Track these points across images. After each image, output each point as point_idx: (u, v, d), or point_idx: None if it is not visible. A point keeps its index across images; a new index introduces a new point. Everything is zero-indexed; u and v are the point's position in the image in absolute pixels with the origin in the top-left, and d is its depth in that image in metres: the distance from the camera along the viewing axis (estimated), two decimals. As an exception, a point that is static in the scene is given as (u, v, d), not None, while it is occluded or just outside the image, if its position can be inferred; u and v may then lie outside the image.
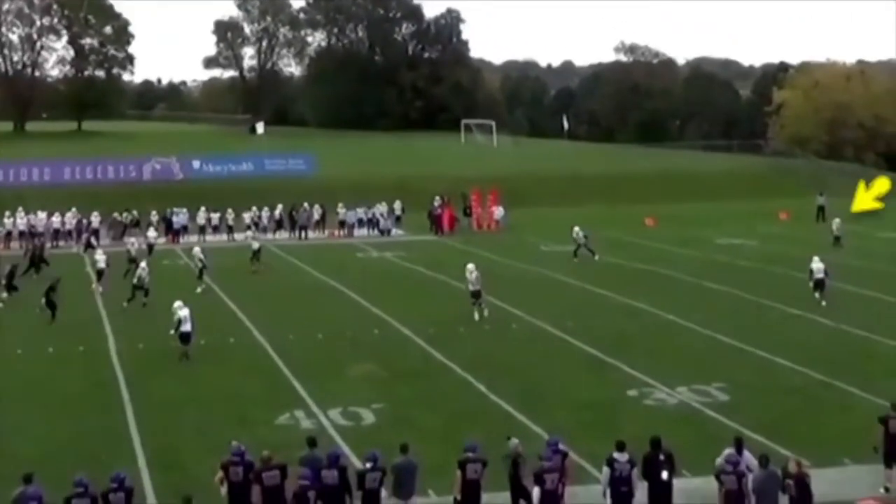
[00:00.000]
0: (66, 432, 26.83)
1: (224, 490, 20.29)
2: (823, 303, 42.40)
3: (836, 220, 59.64)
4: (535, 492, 20.26)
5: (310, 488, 19.39)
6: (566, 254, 55.55)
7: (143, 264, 44.62)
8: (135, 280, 43.39)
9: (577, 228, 55.27)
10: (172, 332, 34.99)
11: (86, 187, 76.91)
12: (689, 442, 23.48)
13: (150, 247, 57.21)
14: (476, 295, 40.81)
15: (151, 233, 59.67)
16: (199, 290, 45.83)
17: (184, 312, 34.43)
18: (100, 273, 47.50)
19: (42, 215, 63.60)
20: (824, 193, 74.54)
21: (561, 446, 21.07)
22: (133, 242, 54.75)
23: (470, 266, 41.65)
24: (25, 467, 19.87)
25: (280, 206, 68.08)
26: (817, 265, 43.67)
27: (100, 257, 48.53)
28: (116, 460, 23.25)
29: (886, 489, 22.41)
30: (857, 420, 26.17)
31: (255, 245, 53.16)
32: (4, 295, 45.13)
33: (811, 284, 43.49)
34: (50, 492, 19.17)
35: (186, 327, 34.28)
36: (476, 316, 40.22)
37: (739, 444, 20.76)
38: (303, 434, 23.02)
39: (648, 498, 20.51)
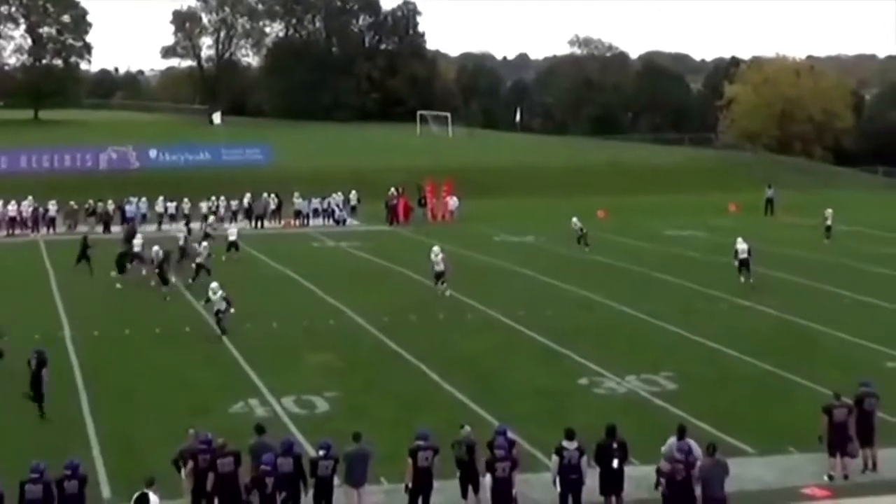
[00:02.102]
0: (19, 419, 26.88)
1: (190, 483, 20.25)
2: (750, 280, 44.66)
3: (829, 211, 60.26)
4: (487, 479, 20.56)
5: (269, 474, 19.57)
6: (519, 244, 56.04)
7: (205, 244, 46.86)
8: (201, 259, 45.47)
9: (574, 219, 55.93)
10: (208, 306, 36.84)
11: (42, 176, 76.74)
12: (638, 430, 23.76)
13: (207, 235, 55.14)
14: (439, 276, 42.97)
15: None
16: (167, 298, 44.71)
17: (217, 296, 36.06)
18: (134, 257, 47.77)
19: (-2, 203, 63.50)
20: (773, 186, 75.34)
21: (509, 434, 21.41)
22: (182, 230, 55.38)
23: (435, 248, 44.06)
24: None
25: (249, 196, 68.49)
26: (742, 246, 45.63)
27: (137, 241, 48.95)
28: (70, 447, 23.36)
29: (830, 477, 22.81)
30: (802, 409, 26.60)
31: (233, 236, 53.41)
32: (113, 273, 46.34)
33: (735, 264, 45.34)
34: (4, 477, 19.28)
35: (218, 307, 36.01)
36: (439, 293, 41.98)
37: (682, 432, 21.13)
38: (256, 422, 23.22)
39: (600, 485, 20.85)
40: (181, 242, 50.00)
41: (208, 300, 36.79)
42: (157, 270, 44.59)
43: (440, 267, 43.16)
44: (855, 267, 50.68)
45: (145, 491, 18.88)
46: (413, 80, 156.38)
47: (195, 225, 61.07)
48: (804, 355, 33.42)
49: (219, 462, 19.96)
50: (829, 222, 59.35)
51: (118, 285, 45.30)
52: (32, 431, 25.85)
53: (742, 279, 45.06)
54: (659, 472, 20.38)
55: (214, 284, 36.89)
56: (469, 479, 21.03)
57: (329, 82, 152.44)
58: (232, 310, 36.16)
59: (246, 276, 47.51)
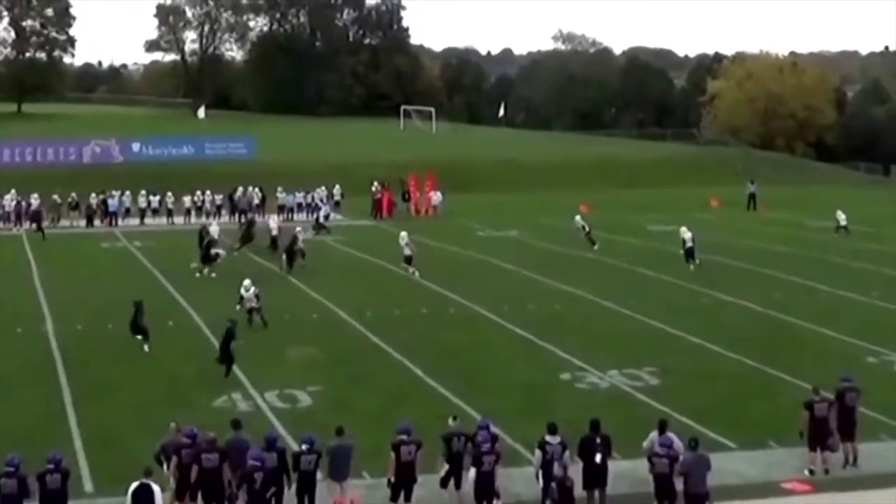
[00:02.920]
0: (1, 413, 26.87)
1: (175, 477, 20.20)
2: (692, 267, 46.81)
3: (840, 213, 61.00)
4: (472, 473, 20.65)
5: (258, 469, 19.51)
6: (503, 239, 56.07)
7: (301, 235, 48.12)
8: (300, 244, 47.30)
9: (577, 217, 56.02)
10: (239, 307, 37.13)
11: (25, 170, 76.59)
12: (620, 425, 23.73)
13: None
14: (408, 259, 46.17)
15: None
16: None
17: (249, 293, 36.89)
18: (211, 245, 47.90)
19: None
20: (755, 182, 75.60)
21: (492, 429, 21.47)
22: (274, 218, 56.43)
23: (403, 234, 47.50)
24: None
25: (241, 190, 68.18)
26: (687, 234, 47.67)
27: (214, 229, 49.61)
28: (52, 441, 23.32)
29: (811, 472, 22.91)
30: (783, 404, 26.74)
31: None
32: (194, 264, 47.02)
33: (682, 253, 47.52)
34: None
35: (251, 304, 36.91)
36: (408, 272, 45.84)
37: (663, 426, 21.23)
38: (239, 416, 23.22)
39: (583, 479, 20.86)
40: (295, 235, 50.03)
41: (241, 298, 37.12)
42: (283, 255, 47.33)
43: (407, 251, 46.26)
44: (835, 262, 50.89)
45: (145, 481, 18.82)
46: (397, 74, 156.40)
47: (178, 219, 60.87)
48: (785, 350, 33.56)
49: (203, 457, 19.91)
50: (843, 223, 59.92)
51: (207, 273, 46.28)
52: (13, 425, 25.78)
53: (691, 267, 46.88)
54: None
55: (247, 282, 37.35)
56: (455, 473, 21.01)
57: (313, 77, 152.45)
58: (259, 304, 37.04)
59: (229, 271, 47.41)
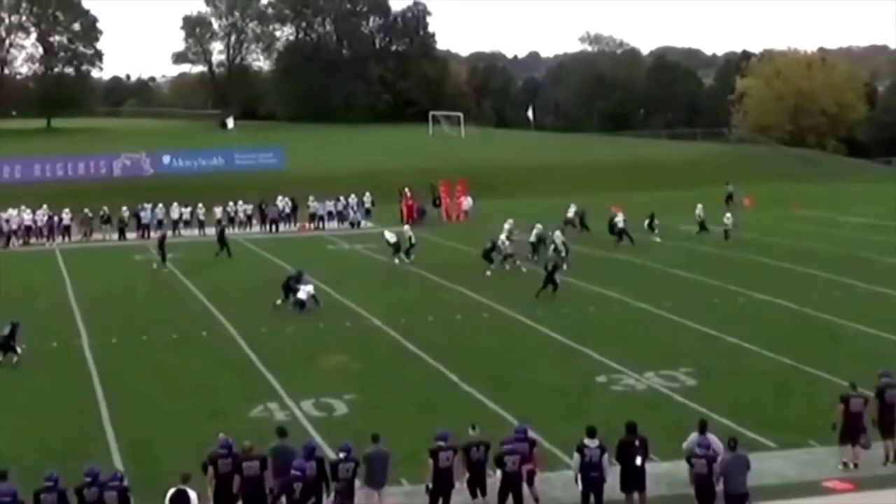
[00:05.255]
0: (40, 428, 26.91)
1: (212, 487, 20.18)
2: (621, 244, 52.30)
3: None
4: (497, 474, 20.64)
5: (299, 479, 19.48)
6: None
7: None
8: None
9: (619, 215, 56.95)
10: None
11: (56, 184, 76.95)
12: (658, 427, 23.64)
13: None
14: (396, 248, 51.38)
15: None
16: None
17: (307, 288, 40.31)
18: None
19: (13, 213, 63.56)
20: (730, 183, 75.33)
21: (530, 433, 21.40)
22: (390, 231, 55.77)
23: (386, 232, 53.07)
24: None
25: (282, 199, 68.92)
26: (619, 218, 53.73)
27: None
28: (90, 455, 23.32)
29: (845, 465, 22.82)
30: (822, 402, 26.39)
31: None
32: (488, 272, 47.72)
33: (615, 232, 52.89)
34: (25, 488, 19.21)
35: (301, 296, 40.27)
36: (395, 261, 50.13)
37: (703, 427, 21.11)
38: (277, 425, 23.18)
39: (621, 483, 20.79)
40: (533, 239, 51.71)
41: (295, 294, 40.32)
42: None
43: (394, 239, 51.73)
44: (870, 258, 50.56)
45: (182, 487, 18.92)
46: (424, 80, 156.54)
47: (210, 230, 60.92)
48: (823, 348, 33.38)
49: (244, 465, 19.95)
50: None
51: (487, 272, 47.54)
52: (51, 439, 25.84)
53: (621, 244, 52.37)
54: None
55: (310, 287, 40.67)
56: (479, 482, 20.96)
57: (340, 85, 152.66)
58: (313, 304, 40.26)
59: (261, 280, 47.50)
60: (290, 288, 41.15)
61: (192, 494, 18.92)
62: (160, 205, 66.11)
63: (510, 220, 51.90)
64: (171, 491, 18.96)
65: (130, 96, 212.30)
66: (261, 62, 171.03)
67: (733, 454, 20.29)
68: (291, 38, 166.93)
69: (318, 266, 50.73)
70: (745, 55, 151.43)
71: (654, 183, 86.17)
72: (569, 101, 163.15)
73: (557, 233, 50.43)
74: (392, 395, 29.38)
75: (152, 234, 63.94)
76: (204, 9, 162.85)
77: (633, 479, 20.78)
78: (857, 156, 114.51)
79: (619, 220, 56.21)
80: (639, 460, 20.72)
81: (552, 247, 48.99)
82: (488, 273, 47.05)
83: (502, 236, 48.99)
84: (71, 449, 24.67)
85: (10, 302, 41.96)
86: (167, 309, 41.88)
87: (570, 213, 61.20)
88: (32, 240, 62.92)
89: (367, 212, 70.49)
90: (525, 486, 20.82)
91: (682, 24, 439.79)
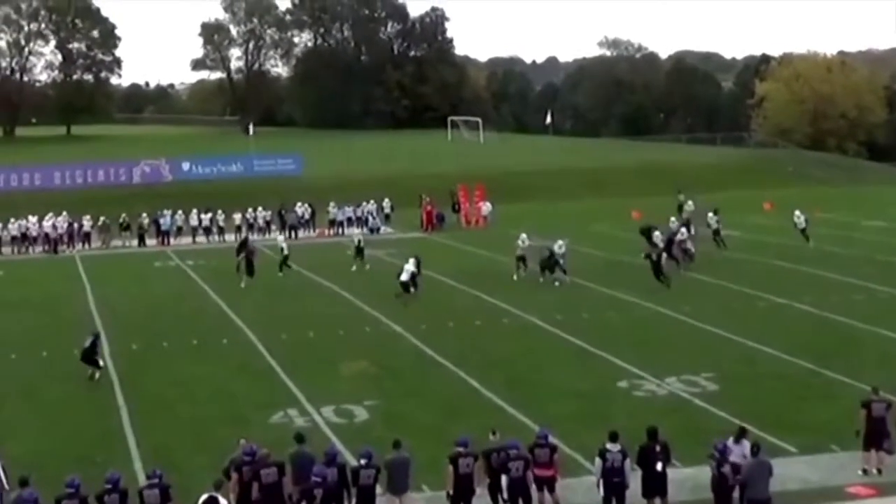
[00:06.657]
0: (61, 434, 27.01)
1: (235, 494, 20.14)
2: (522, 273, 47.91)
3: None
4: (503, 480, 20.59)
5: (319, 486, 19.50)
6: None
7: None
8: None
9: (672, 218, 56.77)
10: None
11: (76, 191, 77.25)
12: (679, 432, 23.61)
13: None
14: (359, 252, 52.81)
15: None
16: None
17: (409, 266, 43.08)
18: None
19: (33, 220, 63.72)
20: (682, 191, 73.98)
21: (550, 439, 21.33)
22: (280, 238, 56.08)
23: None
24: (21, 470, 20.04)
25: (302, 205, 69.20)
26: (524, 241, 48.49)
27: (282, 243, 52.00)
28: (112, 461, 23.38)
29: (865, 472, 22.67)
30: (844, 407, 26.26)
31: (284, 249, 51.73)
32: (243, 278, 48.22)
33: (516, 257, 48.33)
34: (46, 494, 19.21)
35: (404, 277, 42.84)
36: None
37: (742, 434, 21.16)
38: (295, 432, 23.17)
39: (643, 488, 20.72)
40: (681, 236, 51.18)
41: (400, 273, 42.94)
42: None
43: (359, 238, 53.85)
44: (889, 261, 50.33)
45: (214, 494, 18.98)
46: (443, 86, 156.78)
47: (229, 236, 61.02)
48: (844, 352, 33.21)
49: (262, 472, 19.94)
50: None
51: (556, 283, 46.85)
52: (73, 446, 25.90)
53: (521, 273, 47.88)
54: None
55: (410, 265, 43.40)
56: (498, 486, 20.89)
57: (359, 90, 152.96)
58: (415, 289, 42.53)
59: (281, 286, 47.59)
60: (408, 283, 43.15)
61: (223, 502, 18.98)
62: (179, 211, 66.26)
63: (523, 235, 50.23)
64: (203, 497, 19.01)
65: (149, 103, 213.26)
66: (279, 68, 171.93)
67: (756, 460, 20.17)
68: (309, 44, 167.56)
69: (337, 272, 50.84)
70: (765, 59, 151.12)
71: (673, 187, 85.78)
72: (587, 105, 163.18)
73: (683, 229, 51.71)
74: (413, 401, 29.35)
75: (171, 240, 64.13)
76: (222, 15, 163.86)
77: (655, 485, 20.70)
78: (877, 159, 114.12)
79: (713, 221, 55.59)
80: (660, 465, 20.65)
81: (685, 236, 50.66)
82: (557, 284, 46.59)
83: (560, 241, 47.92)
84: (92, 455, 24.69)
85: (31, 309, 42.06)
86: (187, 315, 41.95)
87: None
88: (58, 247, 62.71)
89: (387, 217, 70.54)
90: (546, 492, 20.76)
91: (700, 28, 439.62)
